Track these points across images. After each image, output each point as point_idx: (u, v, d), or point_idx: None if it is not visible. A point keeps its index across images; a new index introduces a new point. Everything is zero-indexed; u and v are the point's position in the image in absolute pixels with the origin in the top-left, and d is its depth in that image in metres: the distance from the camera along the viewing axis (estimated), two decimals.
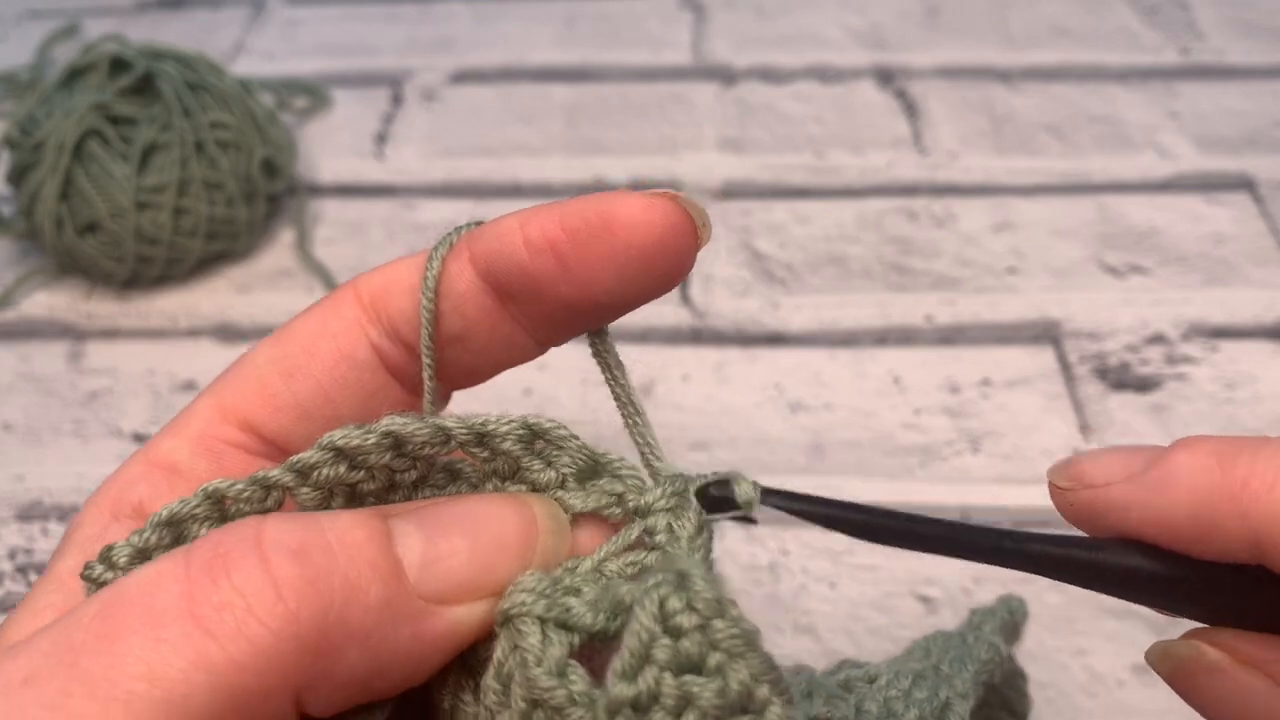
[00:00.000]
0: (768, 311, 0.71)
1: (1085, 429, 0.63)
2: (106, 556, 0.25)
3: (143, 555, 0.26)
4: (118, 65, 0.74)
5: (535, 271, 0.28)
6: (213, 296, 0.74)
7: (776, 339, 0.70)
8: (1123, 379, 0.66)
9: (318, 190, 0.82)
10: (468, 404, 0.33)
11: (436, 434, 0.26)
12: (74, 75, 0.75)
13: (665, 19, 0.97)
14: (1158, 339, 0.68)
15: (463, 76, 0.92)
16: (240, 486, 0.26)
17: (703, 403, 0.66)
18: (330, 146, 0.85)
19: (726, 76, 0.90)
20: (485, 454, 0.27)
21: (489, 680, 0.24)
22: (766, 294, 0.72)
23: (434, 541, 0.25)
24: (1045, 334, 0.69)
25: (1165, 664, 0.29)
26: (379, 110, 0.89)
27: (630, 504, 0.27)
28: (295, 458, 0.26)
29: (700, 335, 0.70)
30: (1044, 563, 0.28)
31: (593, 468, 0.28)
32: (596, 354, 0.30)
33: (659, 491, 0.27)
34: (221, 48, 0.95)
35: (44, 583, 0.27)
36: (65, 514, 0.61)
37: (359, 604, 0.23)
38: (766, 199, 0.79)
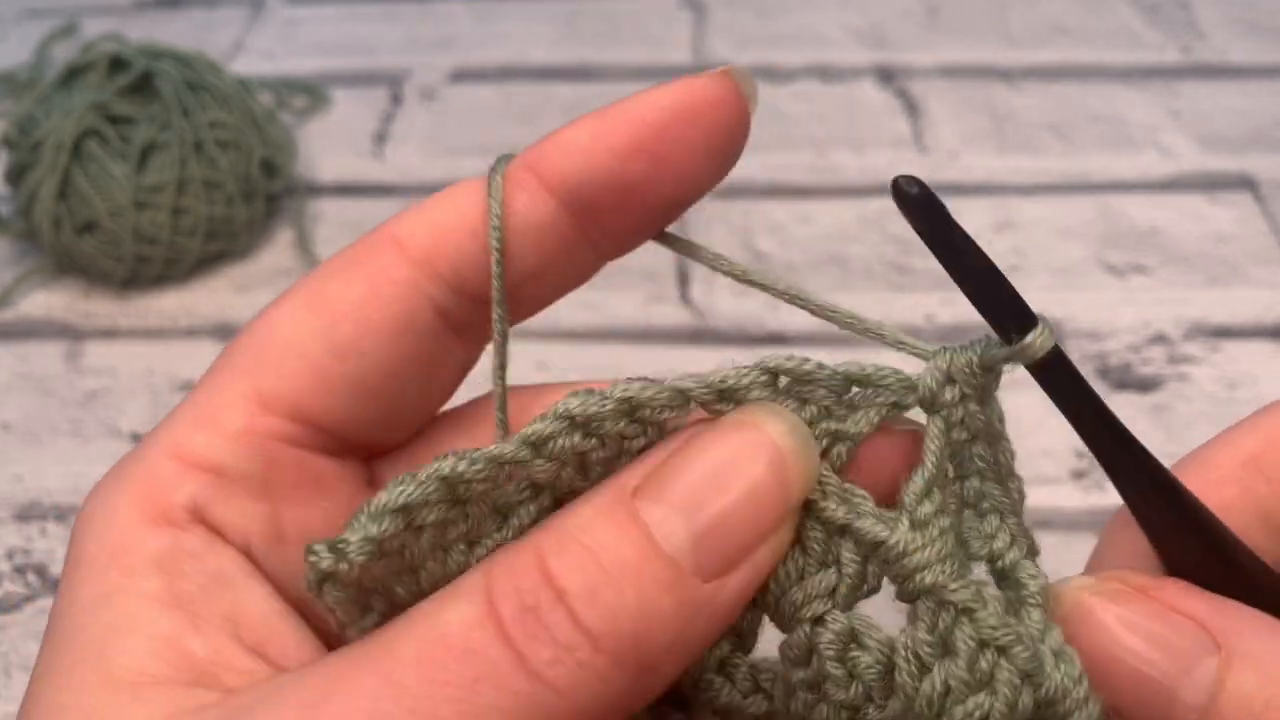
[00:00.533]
0: (768, 311, 0.71)
1: None
2: (336, 547, 0.24)
3: (379, 546, 0.24)
4: (116, 64, 0.74)
5: (631, 178, 0.26)
6: (212, 296, 0.74)
7: (777, 339, 0.69)
8: (1124, 379, 0.65)
9: (317, 190, 0.82)
10: (463, 396, 0.32)
11: (676, 396, 0.25)
12: (73, 74, 0.75)
13: (665, 18, 0.97)
14: (1159, 339, 0.68)
15: (462, 76, 0.92)
16: (478, 467, 0.24)
17: None
18: (329, 146, 0.85)
19: None
20: (729, 408, 0.26)
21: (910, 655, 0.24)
22: (767, 294, 0.72)
23: (692, 518, 0.24)
24: None
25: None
26: (378, 109, 0.89)
27: (911, 401, 0.26)
28: (528, 430, 0.25)
29: (700, 335, 0.70)
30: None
31: (847, 385, 0.27)
32: (675, 248, 0.29)
33: (933, 379, 0.26)
34: (220, 47, 0.95)
35: (135, 602, 0.24)
36: (64, 514, 0.61)
37: (659, 624, 0.23)
38: (767, 199, 0.79)
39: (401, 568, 0.25)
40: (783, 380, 0.26)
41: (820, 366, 0.26)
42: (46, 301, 0.74)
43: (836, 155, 0.82)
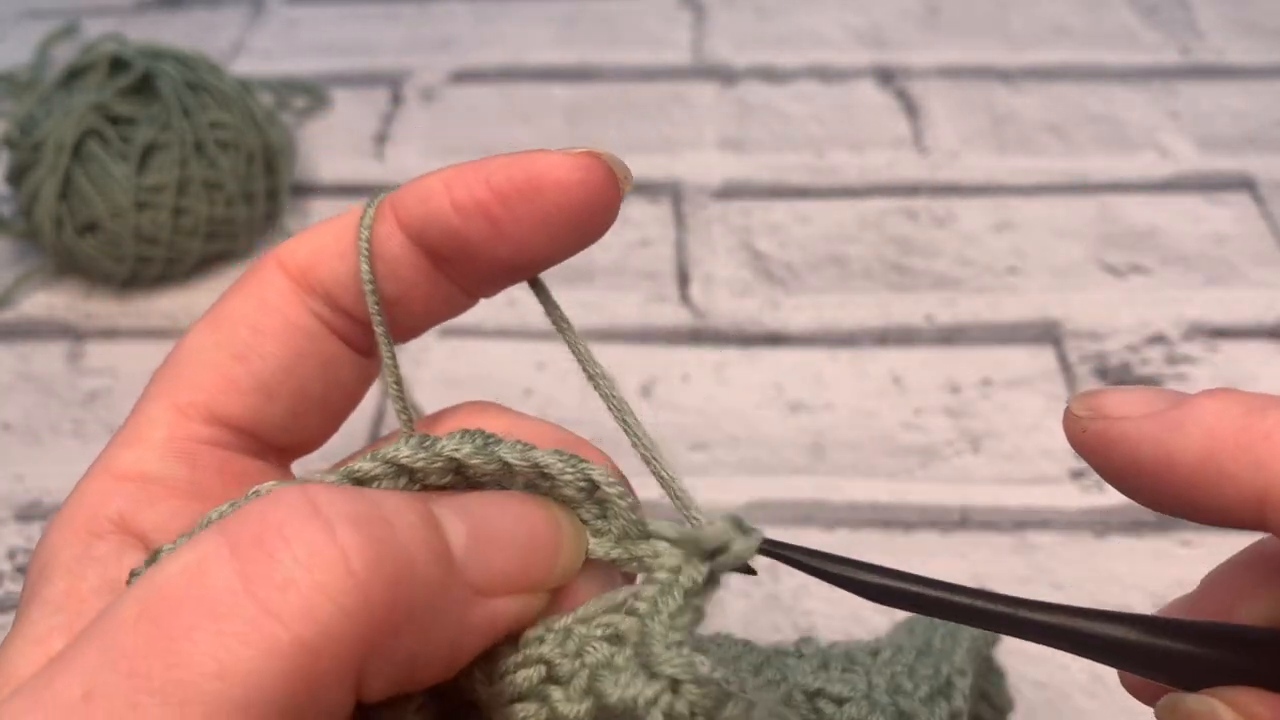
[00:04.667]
0: (768, 311, 0.71)
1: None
2: (157, 556, 0.24)
3: None
4: (117, 65, 0.74)
5: (467, 234, 0.28)
6: (212, 296, 0.73)
7: (776, 339, 0.69)
8: (1123, 379, 0.66)
9: (318, 190, 0.82)
10: (466, 396, 0.32)
11: (502, 469, 0.26)
12: (73, 75, 0.75)
13: (665, 19, 0.97)
14: (1158, 339, 0.68)
15: (462, 76, 0.92)
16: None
17: (703, 403, 0.66)
18: (330, 146, 0.85)
19: (726, 76, 0.90)
20: (547, 486, 0.27)
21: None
22: (766, 294, 0.72)
23: (477, 531, 0.24)
24: (1046, 334, 0.69)
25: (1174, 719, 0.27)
26: (379, 110, 0.89)
27: (646, 565, 0.26)
28: (353, 467, 0.25)
29: (700, 335, 0.70)
30: (1045, 633, 0.26)
31: (638, 532, 0.27)
32: (540, 299, 0.30)
33: (664, 560, 0.26)
34: (221, 47, 0.95)
35: (34, 609, 0.25)
36: None
37: (419, 582, 0.22)
38: (766, 199, 0.79)
39: None
40: (599, 493, 0.27)
41: (630, 509, 0.27)
42: (47, 302, 0.74)
43: (836, 155, 0.82)
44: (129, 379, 0.68)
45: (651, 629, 0.24)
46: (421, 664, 0.23)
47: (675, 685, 0.23)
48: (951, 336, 0.69)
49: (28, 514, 0.62)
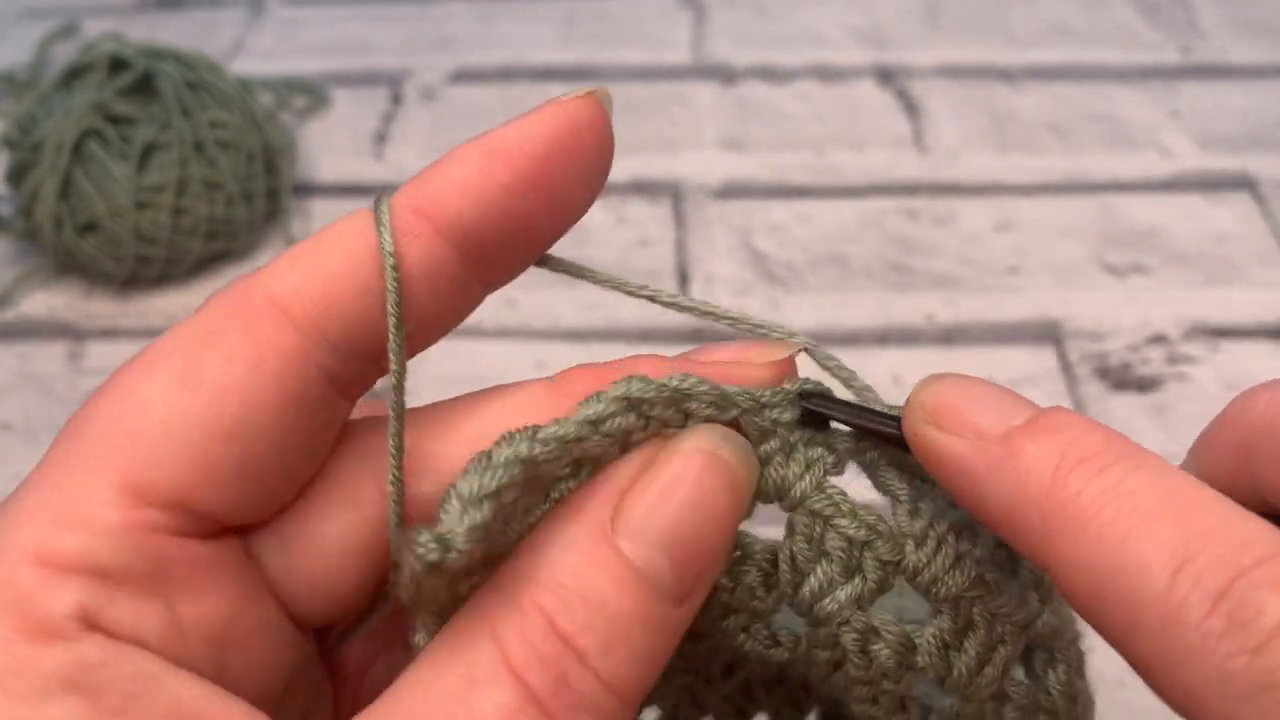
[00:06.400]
0: (768, 311, 0.71)
1: None
2: (443, 538, 0.22)
3: (484, 532, 0.23)
4: (117, 65, 0.74)
5: (522, 213, 0.26)
6: None
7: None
8: (1124, 379, 0.66)
9: (317, 190, 0.82)
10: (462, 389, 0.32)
11: (722, 400, 0.27)
12: (73, 75, 0.75)
13: (665, 18, 0.97)
14: (1159, 339, 0.68)
15: (462, 76, 0.92)
16: (550, 448, 0.25)
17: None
18: (330, 146, 0.85)
19: (726, 76, 0.90)
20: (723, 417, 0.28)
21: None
22: (767, 294, 0.72)
23: (673, 554, 0.24)
24: (1046, 334, 0.69)
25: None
26: (379, 110, 0.89)
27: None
28: (588, 411, 0.25)
29: (700, 335, 0.70)
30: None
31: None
32: (559, 270, 0.30)
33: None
34: (221, 47, 0.95)
35: None
36: None
37: (660, 659, 0.24)
38: (766, 199, 0.79)
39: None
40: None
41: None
42: (48, 302, 0.74)
43: (836, 155, 0.82)
44: None
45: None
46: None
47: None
48: (952, 336, 0.69)
49: None
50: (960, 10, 0.96)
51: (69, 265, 0.74)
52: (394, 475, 0.26)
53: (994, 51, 0.91)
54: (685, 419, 0.27)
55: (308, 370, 0.25)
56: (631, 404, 0.26)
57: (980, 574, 0.27)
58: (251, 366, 0.24)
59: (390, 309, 0.25)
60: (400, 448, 0.26)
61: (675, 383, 0.26)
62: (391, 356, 0.25)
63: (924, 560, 0.27)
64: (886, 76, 0.89)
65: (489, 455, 0.24)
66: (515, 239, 0.26)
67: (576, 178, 0.26)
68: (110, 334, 0.72)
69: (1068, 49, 0.91)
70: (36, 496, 0.23)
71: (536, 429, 0.25)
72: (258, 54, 0.95)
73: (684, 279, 0.73)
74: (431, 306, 0.26)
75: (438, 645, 0.24)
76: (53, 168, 0.70)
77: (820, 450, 0.29)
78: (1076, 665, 0.29)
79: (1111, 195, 0.78)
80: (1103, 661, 0.53)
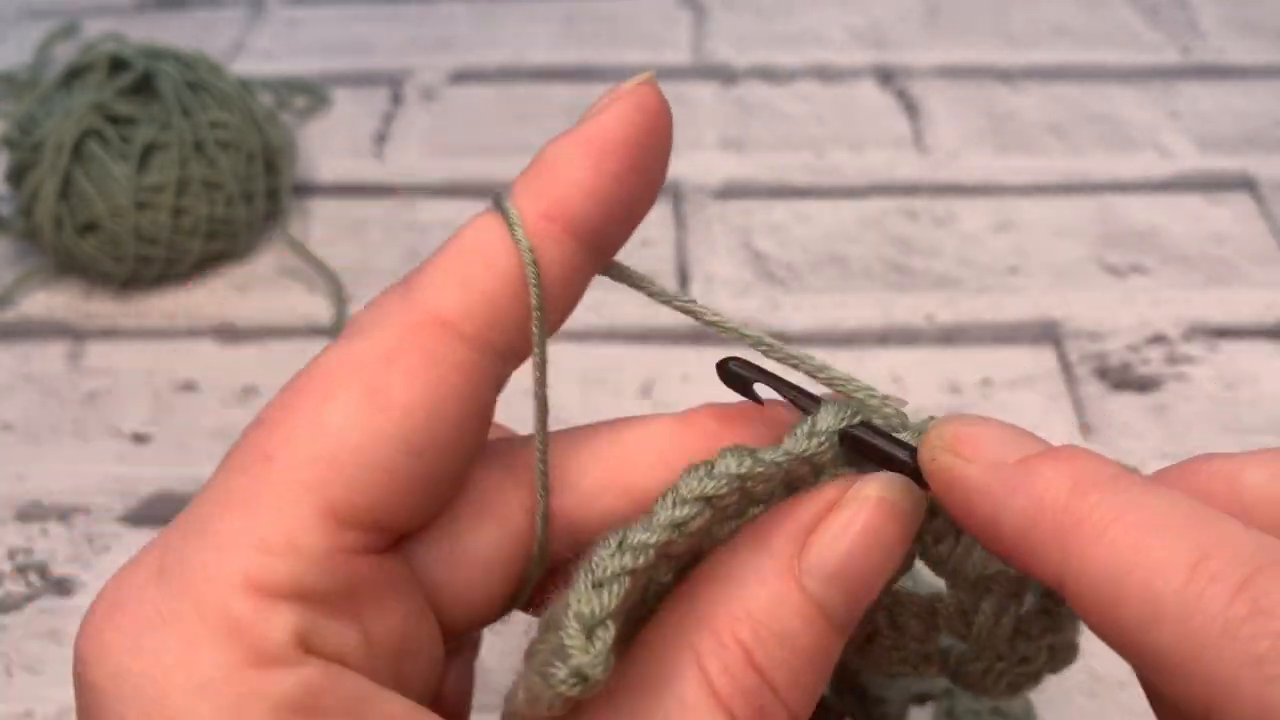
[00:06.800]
0: (768, 311, 0.71)
1: (1085, 429, 0.63)
2: (580, 672, 0.23)
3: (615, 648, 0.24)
4: (117, 65, 0.74)
5: (632, 199, 0.28)
6: (212, 296, 0.74)
7: (776, 339, 0.69)
8: (1123, 379, 0.66)
9: (317, 190, 0.82)
10: None
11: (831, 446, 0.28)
12: (73, 75, 0.75)
13: (665, 18, 0.97)
14: (1158, 339, 0.68)
15: (463, 76, 0.92)
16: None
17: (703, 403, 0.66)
18: (330, 146, 0.85)
19: (726, 76, 0.90)
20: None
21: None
22: (767, 294, 0.72)
23: (848, 589, 0.26)
24: (1046, 334, 0.69)
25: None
26: (379, 110, 0.89)
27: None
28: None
29: (700, 335, 0.70)
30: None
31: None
32: (623, 281, 0.30)
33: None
34: (221, 47, 0.95)
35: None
36: (65, 514, 0.61)
37: (821, 687, 0.27)
38: (766, 199, 0.79)
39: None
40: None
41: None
42: (47, 302, 0.74)
43: (836, 155, 0.82)
44: (129, 379, 0.68)
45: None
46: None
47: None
48: (952, 336, 0.69)
49: (28, 514, 0.62)
50: (960, 11, 0.96)
51: (69, 265, 0.74)
52: (540, 471, 0.28)
53: (993, 52, 0.91)
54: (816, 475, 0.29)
55: (484, 382, 0.26)
56: (710, 502, 0.27)
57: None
58: (434, 385, 0.25)
59: (534, 313, 0.26)
60: (545, 452, 0.28)
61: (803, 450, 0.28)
62: (535, 363, 0.27)
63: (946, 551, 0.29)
64: (886, 77, 0.89)
65: (601, 564, 0.25)
66: (626, 223, 0.28)
67: (663, 155, 0.29)
68: (110, 334, 0.72)
69: (1067, 49, 0.91)
70: (233, 524, 0.24)
71: (627, 534, 0.25)
72: (258, 54, 0.95)
73: (684, 279, 0.73)
74: (565, 301, 0.28)
75: (636, 660, 0.26)
76: (53, 168, 0.70)
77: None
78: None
79: (1111, 195, 0.78)
80: (1103, 663, 0.53)
